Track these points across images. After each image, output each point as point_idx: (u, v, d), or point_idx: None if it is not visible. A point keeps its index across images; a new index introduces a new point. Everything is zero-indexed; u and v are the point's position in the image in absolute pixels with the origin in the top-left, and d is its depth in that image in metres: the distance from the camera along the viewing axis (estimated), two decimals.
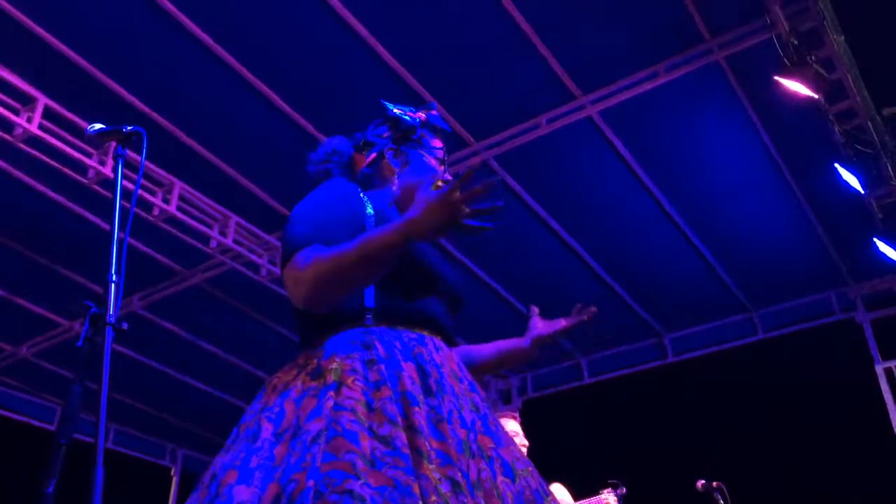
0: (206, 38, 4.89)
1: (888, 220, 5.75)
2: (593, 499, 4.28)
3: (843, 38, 4.81)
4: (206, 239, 5.94)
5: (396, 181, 1.89)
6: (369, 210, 1.75)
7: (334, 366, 1.52)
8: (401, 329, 1.63)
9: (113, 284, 1.51)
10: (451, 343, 1.75)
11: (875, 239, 5.88)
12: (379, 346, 1.56)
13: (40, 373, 7.76)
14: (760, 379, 7.66)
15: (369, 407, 1.43)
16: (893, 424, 6.41)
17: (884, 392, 6.61)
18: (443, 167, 1.97)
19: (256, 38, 4.96)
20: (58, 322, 7.19)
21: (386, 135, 1.97)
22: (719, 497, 4.58)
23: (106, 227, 1.56)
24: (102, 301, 1.50)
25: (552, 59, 5.16)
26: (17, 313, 7.00)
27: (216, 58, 5.00)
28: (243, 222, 6.10)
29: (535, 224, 6.47)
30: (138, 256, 6.32)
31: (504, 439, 1.60)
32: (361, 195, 1.78)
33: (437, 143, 1.98)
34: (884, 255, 5.90)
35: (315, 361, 1.56)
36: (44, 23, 4.72)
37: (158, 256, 6.50)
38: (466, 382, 1.65)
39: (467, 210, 1.51)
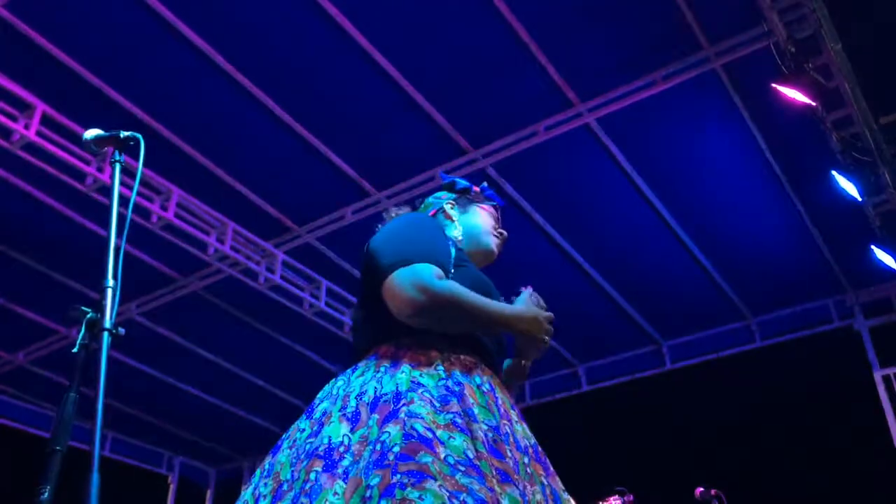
0: (205, 46, 4.90)
1: (885, 227, 5.75)
2: None
3: (840, 45, 4.81)
4: (203, 246, 5.93)
5: (457, 223, 2.10)
6: (452, 250, 1.90)
7: (402, 375, 1.62)
8: (459, 350, 1.73)
9: (109, 290, 1.50)
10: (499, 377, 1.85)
11: (872, 246, 5.88)
12: (442, 363, 1.67)
13: (37, 380, 7.74)
14: (759, 386, 7.64)
15: (439, 418, 1.52)
16: (892, 431, 6.40)
17: (882, 399, 6.60)
18: (499, 220, 2.21)
19: (255, 46, 4.97)
20: (55, 329, 7.18)
21: (444, 196, 2.20)
22: None
23: (104, 233, 1.55)
24: (99, 307, 1.49)
25: (550, 67, 5.16)
26: (13, 320, 6.99)
27: (214, 65, 5.01)
28: (241, 230, 6.10)
29: (533, 232, 6.46)
30: (136, 263, 6.32)
31: (551, 469, 1.69)
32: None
33: (490, 209, 2.22)
34: (881, 262, 5.90)
35: (381, 369, 1.67)
36: (42, 30, 4.73)
37: (156, 263, 6.50)
38: (517, 410, 1.76)
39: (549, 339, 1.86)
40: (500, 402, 1.68)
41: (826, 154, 5.36)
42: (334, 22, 4.80)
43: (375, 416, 1.54)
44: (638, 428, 7.98)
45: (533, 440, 1.70)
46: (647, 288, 7.20)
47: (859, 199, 5.40)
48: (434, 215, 2.12)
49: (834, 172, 5.29)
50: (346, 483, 1.43)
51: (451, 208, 2.13)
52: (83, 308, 1.48)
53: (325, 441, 1.52)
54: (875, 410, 6.59)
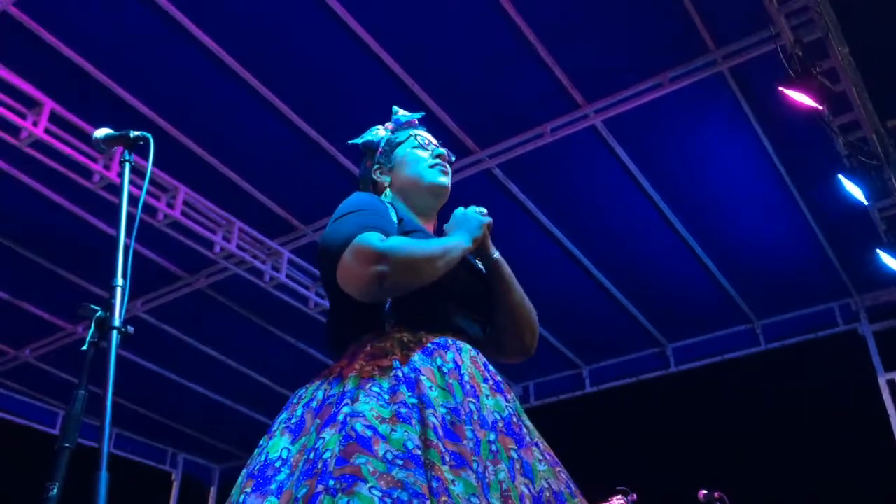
0: (213, 45, 4.91)
1: (891, 231, 5.75)
2: None
3: (847, 49, 4.81)
4: (210, 244, 5.95)
5: (388, 188, 1.99)
6: (393, 216, 1.84)
7: (353, 374, 1.57)
8: (421, 333, 1.67)
9: (119, 288, 1.51)
10: (477, 346, 1.77)
11: (878, 250, 5.86)
12: (398, 351, 1.61)
13: (43, 376, 7.77)
14: (763, 389, 7.64)
15: (384, 411, 1.48)
16: None
17: (886, 403, 6.59)
18: (429, 144, 2.05)
19: (262, 46, 4.98)
20: (61, 326, 7.21)
21: (369, 164, 2.08)
22: None
23: (110, 231, 1.55)
24: (107, 305, 1.50)
25: (556, 68, 5.17)
26: (20, 317, 7.01)
27: (222, 64, 5.02)
28: (247, 228, 6.11)
29: (538, 233, 6.47)
30: (142, 261, 6.33)
31: (526, 440, 1.62)
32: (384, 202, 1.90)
33: (413, 130, 2.08)
34: (887, 266, 5.88)
35: (337, 370, 1.63)
36: (50, 27, 4.74)
37: (162, 261, 6.51)
38: (492, 382, 1.68)
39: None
40: (465, 378, 1.60)
41: (832, 158, 5.36)
42: (342, 22, 4.81)
43: (317, 420, 1.51)
44: (642, 430, 7.98)
45: (507, 412, 1.62)
46: (651, 290, 7.20)
47: (865, 202, 5.39)
48: (374, 190, 2.02)
49: (840, 176, 5.28)
50: (278, 499, 1.40)
51: (380, 175, 2.01)
52: (92, 306, 1.49)
53: (263, 458, 1.50)
54: (879, 415, 6.58)
